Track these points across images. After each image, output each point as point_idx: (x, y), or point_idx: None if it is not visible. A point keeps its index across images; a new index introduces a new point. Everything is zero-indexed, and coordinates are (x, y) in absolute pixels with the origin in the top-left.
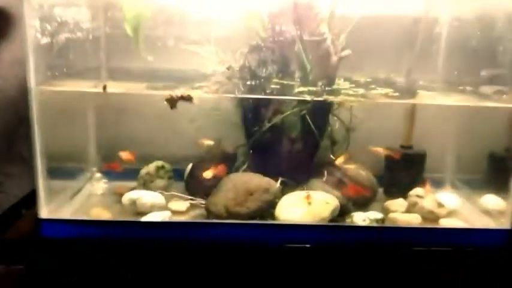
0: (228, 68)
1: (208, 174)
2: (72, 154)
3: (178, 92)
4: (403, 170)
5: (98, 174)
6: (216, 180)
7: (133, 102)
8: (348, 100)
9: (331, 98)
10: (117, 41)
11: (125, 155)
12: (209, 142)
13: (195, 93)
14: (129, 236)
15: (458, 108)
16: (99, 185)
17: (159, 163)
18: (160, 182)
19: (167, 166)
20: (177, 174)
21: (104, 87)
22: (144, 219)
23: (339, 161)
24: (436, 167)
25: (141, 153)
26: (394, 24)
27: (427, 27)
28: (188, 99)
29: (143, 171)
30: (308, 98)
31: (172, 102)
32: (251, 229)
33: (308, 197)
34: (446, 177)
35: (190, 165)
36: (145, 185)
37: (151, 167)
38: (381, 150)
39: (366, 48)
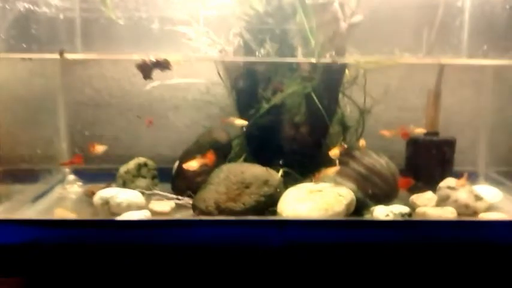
0: (220, 51)
1: (192, 164)
2: (38, 152)
3: (152, 57)
4: (430, 160)
5: (71, 176)
6: (206, 175)
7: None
8: (362, 62)
9: (342, 60)
10: None
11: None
12: (241, 121)
13: (173, 58)
14: (97, 240)
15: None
16: (72, 188)
17: (141, 160)
18: (142, 182)
19: (150, 163)
20: (163, 173)
21: (61, 53)
22: (121, 218)
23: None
24: (467, 157)
25: (119, 150)
26: None
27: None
28: (165, 65)
29: (122, 169)
30: (313, 60)
31: (145, 69)
32: (247, 228)
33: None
34: (479, 168)
35: (177, 162)
36: (125, 185)
37: (131, 165)
38: (387, 133)
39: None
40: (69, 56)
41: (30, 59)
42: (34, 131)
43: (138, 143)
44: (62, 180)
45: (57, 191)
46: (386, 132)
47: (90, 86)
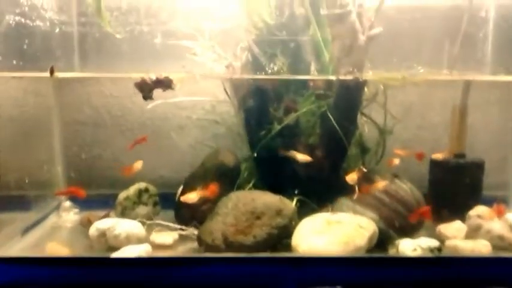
0: (227, 67)
1: (191, 197)
2: (30, 177)
3: (153, 75)
4: (456, 184)
5: (67, 203)
6: (213, 203)
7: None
8: (386, 79)
9: (364, 76)
10: None
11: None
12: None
13: (175, 76)
14: (92, 278)
15: None
16: (68, 216)
17: (142, 185)
18: (142, 210)
19: (152, 189)
20: (166, 199)
21: (51, 71)
22: (115, 255)
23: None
24: (496, 181)
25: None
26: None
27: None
28: (167, 84)
29: (121, 196)
30: (332, 77)
31: (145, 89)
32: (259, 265)
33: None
34: (510, 193)
35: (181, 188)
36: (124, 213)
37: (131, 191)
38: (402, 153)
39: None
40: (60, 74)
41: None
42: (26, 153)
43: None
44: (57, 207)
45: (52, 220)
46: (400, 152)
47: (89, 104)
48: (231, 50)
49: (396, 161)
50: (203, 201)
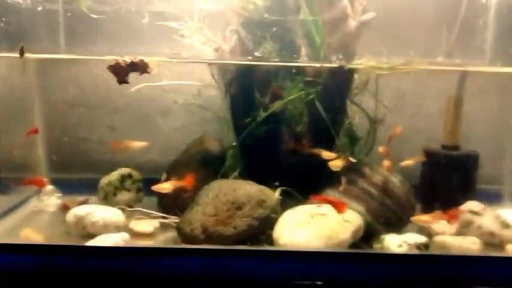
0: (216, 50)
1: (165, 187)
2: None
3: (127, 58)
4: (449, 177)
5: (49, 186)
6: (196, 191)
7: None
8: (375, 68)
9: (351, 64)
10: None
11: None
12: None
13: (152, 59)
14: (64, 267)
15: None
16: (49, 200)
17: (125, 171)
18: (125, 195)
19: (135, 174)
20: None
21: (21, 51)
22: (91, 243)
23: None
24: (490, 174)
25: (104, 156)
26: None
27: None
28: (142, 67)
29: (103, 181)
30: (317, 64)
31: (119, 72)
32: (239, 258)
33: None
34: (505, 187)
35: (164, 175)
36: (107, 198)
37: (114, 176)
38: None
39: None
40: (30, 55)
41: None
42: (6, 135)
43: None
44: (39, 192)
45: (32, 204)
46: (384, 150)
47: (74, 84)
48: (221, 33)
49: (387, 162)
50: (182, 189)
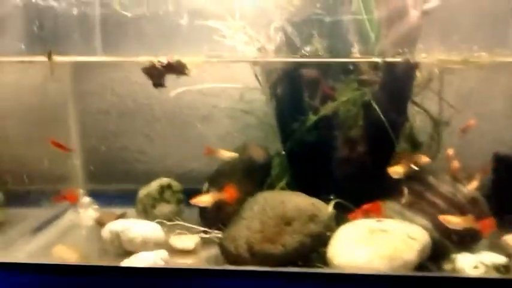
0: (260, 50)
1: (204, 200)
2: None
3: (163, 59)
4: None
5: (86, 198)
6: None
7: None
8: (443, 62)
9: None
10: None
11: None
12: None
13: (190, 60)
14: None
15: None
16: (86, 213)
17: (164, 181)
18: (164, 207)
19: (175, 185)
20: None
21: (49, 55)
22: (126, 262)
23: None
24: None
25: (144, 166)
26: None
27: None
28: (179, 68)
29: (142, 192)
30: (377, 59)
31: (155, 74)
32: (288, 281)
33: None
34: None
35: (206, 184)
36: (145, 211)
37: (153, 187)
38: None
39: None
40: (58, 58)
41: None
42: (43, 145)
43: (167, 157)
44: (77, 203)
45: (68, 217)
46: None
47: (112, 91)
48: (264, 31)
49: (456, 164)
50: (224, 202)
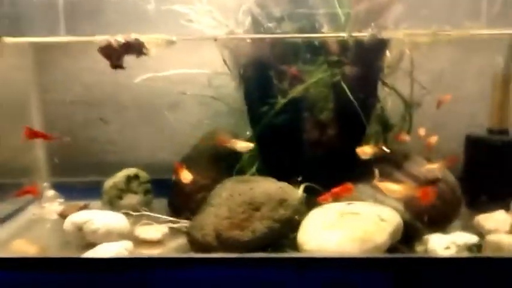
0: (228, 34)
1: (186, 177)
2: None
3: (120, 38)
4: (497, 166)
5: (51, 192)
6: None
7: None
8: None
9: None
10: None
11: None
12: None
13: (150, 39)
14: (59, 282)
15: None
16: (51, 206)
17: (131, 171)
18: (131, 198)
19: (143, 175)
20: (163, 186)
21: None
22: (89, 254)
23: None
24: None
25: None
26: None
27: None
28: (138, 48)
29: (107, 183)
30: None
31: (112, 55)
32: (259, 268)
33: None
34: None
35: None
36: (111, 203)
37: (119, 177)
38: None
39: None
40: (7, 39)
41: None
42: (3, 137)
43: (136, 146)
44: (40, 197)
45: (32, 211)
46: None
47: (77, 80)
48: (232, 15)
49: (433, 140)
50: (199, 188)
